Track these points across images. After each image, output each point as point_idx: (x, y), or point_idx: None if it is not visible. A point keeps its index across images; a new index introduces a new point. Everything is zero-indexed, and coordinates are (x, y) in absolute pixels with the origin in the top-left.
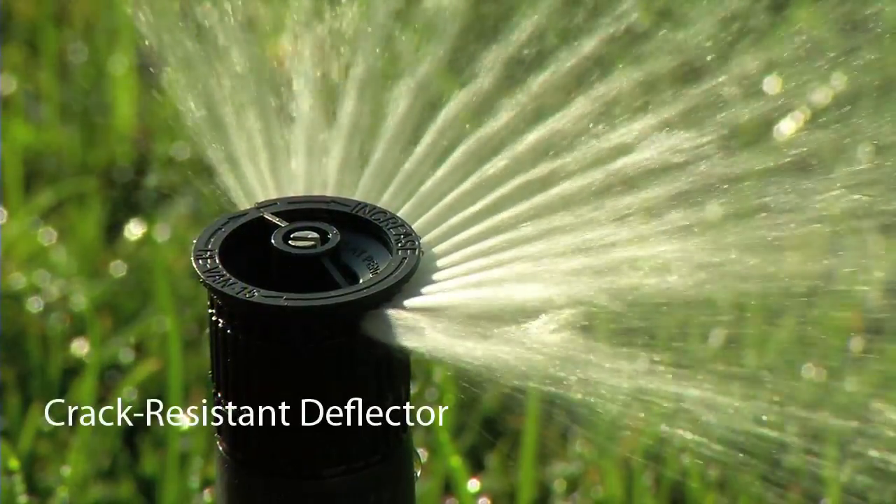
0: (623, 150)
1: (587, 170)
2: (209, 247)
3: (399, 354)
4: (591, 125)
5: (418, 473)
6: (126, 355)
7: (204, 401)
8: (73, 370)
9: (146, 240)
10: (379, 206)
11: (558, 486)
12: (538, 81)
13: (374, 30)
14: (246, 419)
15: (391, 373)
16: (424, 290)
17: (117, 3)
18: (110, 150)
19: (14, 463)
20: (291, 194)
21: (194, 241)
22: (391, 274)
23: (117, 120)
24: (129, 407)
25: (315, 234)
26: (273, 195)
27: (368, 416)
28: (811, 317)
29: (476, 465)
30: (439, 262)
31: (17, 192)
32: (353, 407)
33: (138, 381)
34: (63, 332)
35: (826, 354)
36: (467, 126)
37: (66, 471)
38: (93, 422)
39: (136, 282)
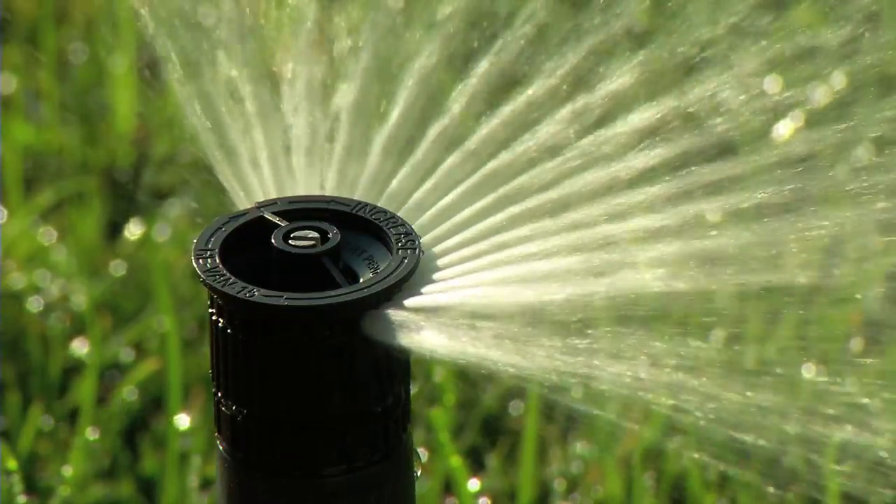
0: (621, 150)
1: (586, 169)
2: (209, 246)
3: (399, 354)
4: (590, 124)
5: (418, 473)
6: (126, 355)
7: (204, 401)
8: (73, 370)
9: (146, 240)
10: (379, 205)
11: (558, 485)
12: (538, 79)
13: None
14: (246, 418)
15: (391, 373)
16: (424, 289)
17: (117, 2)
18: (110, 150)
19: (13, 463)
20: (291, 194)
21: (194, 241)
22: (391, 273)
23: (117, 120)
24: (129, 407)
25: (315, 234)
26: (273, 194)
27: (368, 415)
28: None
29: (476, 465)
30: (439, 262)
31: (17, 191)
32: (353, 406)
33: (138, 381)
34: (63, 332)
35: (826, 354)
36: (467, 125)
37: (67, 470)
38: (93, 422)
39: (136, 282)
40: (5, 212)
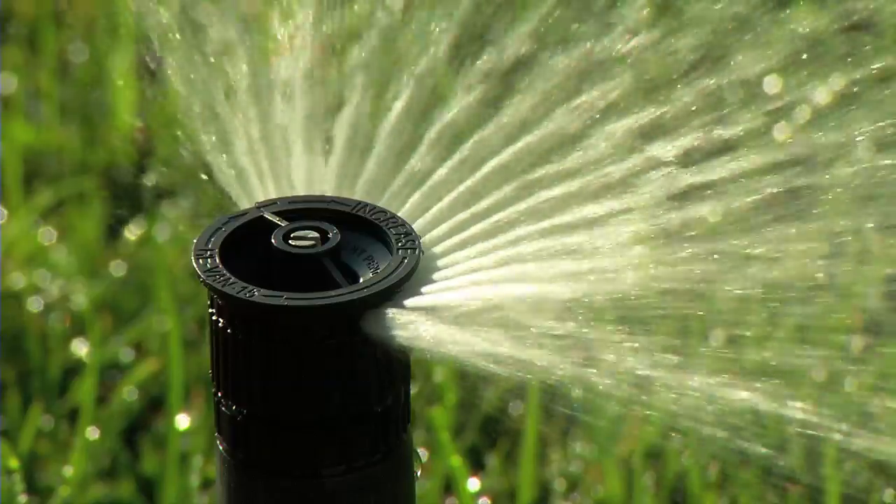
0: (620, 150)
1: (584, 169)
2: (209, 246)
3: (399, 354)
4: (588, 125)
5: (418, 473)
6: (126, 355)
7: (204, 401)
8: (73, 370)
9: (146, 240)
10: (379, 205)
11: (558, 485)
12: (538, 78)
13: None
14: (246, 418)
15: (391, 372)
16: (424, 289)
17: (117, 3)
18: (110, 150)
19: (14, 462)
20: (292, 193)
21: (194, 241)
22: (391, 273)
23: (117, 120)
24: (129, 407)
25: (315, 234)
26: (273, 194)
27: (368, 415)
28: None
29: (476, 465)
30: (439, 262)
31: (17, 191)
32: (353, 406)
33: (138, 381)
34: (63, 332)
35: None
36: (467, 125)
37: (67, 470)
38: (93, 422)
39: (136, 282)
40: (5, 212)
